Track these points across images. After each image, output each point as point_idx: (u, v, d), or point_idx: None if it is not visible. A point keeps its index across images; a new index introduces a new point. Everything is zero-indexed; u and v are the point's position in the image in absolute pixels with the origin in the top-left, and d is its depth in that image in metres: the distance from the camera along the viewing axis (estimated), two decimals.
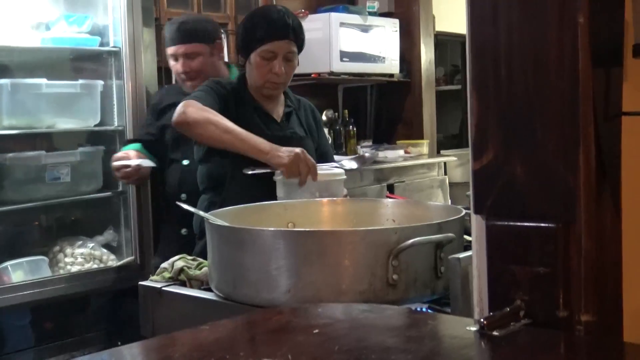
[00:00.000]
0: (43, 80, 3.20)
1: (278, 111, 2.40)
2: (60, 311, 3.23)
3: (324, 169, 2.14)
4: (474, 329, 0.90)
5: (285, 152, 2.06)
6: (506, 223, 0.96)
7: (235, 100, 2.32)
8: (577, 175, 0.89)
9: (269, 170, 2.09)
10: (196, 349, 0.86)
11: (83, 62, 3.45)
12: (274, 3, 4.49)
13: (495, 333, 0.89)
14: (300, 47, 2.35)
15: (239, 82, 2.40)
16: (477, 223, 1.00)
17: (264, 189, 2.07)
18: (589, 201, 0.90)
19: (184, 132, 2.28)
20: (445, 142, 6.18)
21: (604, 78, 0.93)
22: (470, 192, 1.00)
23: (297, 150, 2.06)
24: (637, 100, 0.96)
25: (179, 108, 2.21)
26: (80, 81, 3.32)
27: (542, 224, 0.92)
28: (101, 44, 3.38)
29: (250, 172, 2.10)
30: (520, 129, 0.93)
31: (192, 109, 2.17)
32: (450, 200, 4.98)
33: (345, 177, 2.17)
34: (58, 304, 3.19)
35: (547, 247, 0.92)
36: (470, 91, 0.98)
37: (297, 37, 2.32)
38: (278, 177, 2.08)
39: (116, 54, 3.37)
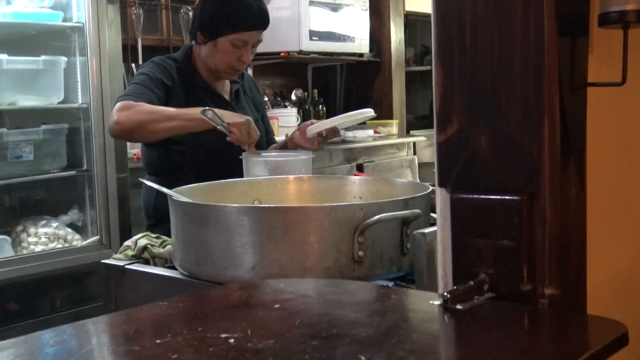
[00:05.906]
0: (4, 56, 3.13)
1: (225, 89, 2.35)
2: (24, 292, 3.18)
3: (291, 154, 2.13)
4: (437, 302, 0.89)
5: (235, 119, 2.00)
6: (470, 196, 0.94)
7: (182, 79, 2.22)
8: (542, 146, 0.88)
9: None
10: (152, 324, 0.83)
11: (45, 38, 3.37)
12: None
13: (458, 307, 0.88)
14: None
15: (185, 59, 2.28)
16: (441, 196, 0.99)
17: (222, 176, 2.02)
18: (554, 173, 0.89)
19: (127, 140, 2.10)
20: (415, 122, 6.17)
21: (570, 48, 0.91)
22: (435, 165, 0.99)
23: (247, 118, 2.03)
24: (602, 70, 0.95)
25: (113, 115, 2.04)
26: (43, 57, 3.25)
27: (506, 197, 0.91)
28: (64, 20, 3.30)
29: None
30: (485, 99, 0.91)
31: (125, 114, 2.01)
32: (419, 180, 4.98)
33: (313, 155, 2.14)
34: (22, 284, 3.14)
35: (511, 220, 0.91)
36: (434, 62, 0.96)
37: (267, 26, 2.28)
38: (245, 156, 2.04)
39: (79, 30, 3.29)
